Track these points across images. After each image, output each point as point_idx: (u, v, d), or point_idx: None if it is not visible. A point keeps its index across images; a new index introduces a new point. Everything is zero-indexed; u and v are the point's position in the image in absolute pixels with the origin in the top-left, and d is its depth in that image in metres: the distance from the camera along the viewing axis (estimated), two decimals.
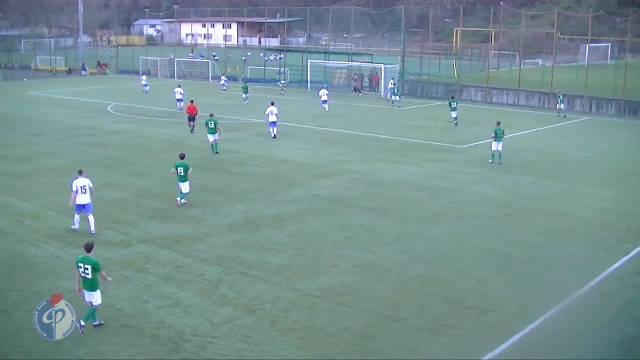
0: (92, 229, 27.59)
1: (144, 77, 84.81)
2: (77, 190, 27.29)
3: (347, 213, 30.62)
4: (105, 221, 29.17)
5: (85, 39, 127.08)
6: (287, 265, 24.13)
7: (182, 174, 31.38)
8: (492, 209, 31.50)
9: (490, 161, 40.70)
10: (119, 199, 32.96)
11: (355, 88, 79.27)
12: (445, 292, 21.87)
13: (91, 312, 19.17)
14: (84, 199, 27.38)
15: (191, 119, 52.45)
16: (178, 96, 64.74)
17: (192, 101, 53.87)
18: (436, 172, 38.85)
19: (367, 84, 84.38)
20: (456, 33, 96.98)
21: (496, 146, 40.62)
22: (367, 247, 26.05)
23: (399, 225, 28.90)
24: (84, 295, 19.29)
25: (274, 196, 33.26)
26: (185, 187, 31.61)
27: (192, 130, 52.33)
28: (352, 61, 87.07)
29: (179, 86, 67.60)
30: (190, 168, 31.81)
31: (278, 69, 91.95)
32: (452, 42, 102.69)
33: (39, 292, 21.69)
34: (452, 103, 57.74)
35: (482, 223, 29.39)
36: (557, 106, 64.08)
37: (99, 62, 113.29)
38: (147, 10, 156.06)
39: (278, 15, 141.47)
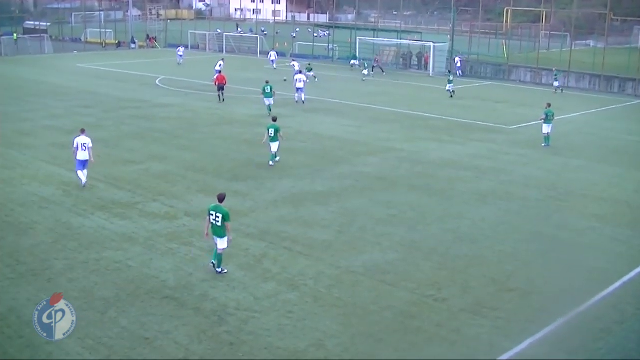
0: (84, 182, 30.08)
1: (181, 49, 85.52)
2: (77, 147, 29.63)
3: (392, 191, 30.54)
4: (152, 193, 29.43)
5: (134, 12, 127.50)
6: (331, 241, 24.16)
7: (272, 135, 33.70)
8: (538, 191, 31.22)
9: (543, 145, 40.15)
10: (165, 171, 33.16)
11: (379, 67, 78.40)
12: (489, 273, 21.75)
13: (219, 257, 21.13)
14: (84, 155, 29.74)
15: (220, 88, 54.72)
16: (218, 68, 64.95)
17: (220, 72, 57.09)
18: (483, 152, 38.56)
19: (416, 63, 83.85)
20: (507, 13, 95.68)
21: (547, 129, 40.14)
22: (412, 225, 25.97)
23: (444, 205, 28.78)
24: (214, 240, 21.11)
25: (319, 172, 33.26)
26: (274, 147, 33.93)
27: (221, 99, 54.31)
28: (401, 39, 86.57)
29: (222, 60, 68.27)
30: (281, 130, 34.09)
31: (327, 45, 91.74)
32: (503, 22, 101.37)
33: (85, 262, 22.00)
34: (450, 77, 61.57)
35: (528, 205, 29.16)
36: (553, 83, 66.03)
37: (148, 35, 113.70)
38: None
39: None
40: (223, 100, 54.36)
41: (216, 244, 21.20)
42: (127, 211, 27.09)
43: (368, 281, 20.98)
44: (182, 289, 20.11)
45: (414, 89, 65.00)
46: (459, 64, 76.48)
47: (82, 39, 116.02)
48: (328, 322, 18.31)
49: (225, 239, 21.02)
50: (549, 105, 40.78)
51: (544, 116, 40.20)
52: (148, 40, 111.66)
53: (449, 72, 67.32)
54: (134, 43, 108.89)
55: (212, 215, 20.89)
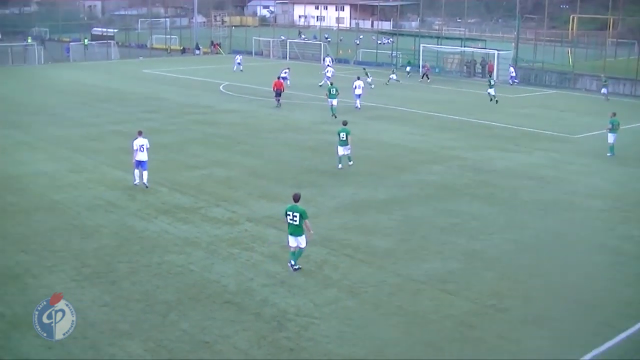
0: (145, 182, 31.31)
1: (238, 57, 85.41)
2: (137, 149, 30.84)
3: (455, 200, 30.36)
4: (214, 198, 29.70)
5: (199, 19, 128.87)
6: (393, 249, 24.11)
7: (344, 139, 34.50)
8: (603, 201, 30.76)
9: (608, 154, 39.53)
10: (228, 177, 33.44)
11: (426, 74, 77.87)
12: (552, 285, 21.50)
13: (300, 254, 22.03)
14: (142, 156, 30.93)
15: (278, 94, 55.73)
16: (283, 75, 65.29)
17: (278, 77, 58.12)
18: (547, 161, 38.12)
19: (480, 71, 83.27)
20: (572, 20, 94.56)
21: (612, 138, 39.56)
22: (474, 235, 25.80)
23: (507, 214, 28.52)
24: (288, 240, 22.05)
25: (382, 180, 33.21)
26: (341, 150, 34.82)
27: (278, 105, 55.37)
28: (464, 47, 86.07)
29: (288, 68, 68.72)
30: (350, 134, 34.88)
31: (390, 52, 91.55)
32: (568, 29, 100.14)
33: (148, 265, 22.30)
34: (491, 81, 62.48)
35: (592, 216, 28.76)
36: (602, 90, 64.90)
37: (212, 42, 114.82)
38: None
39: None
40: (278, 105, 55.27)
41: (292, 245, 21.98)
42: (189, 216, 27.38)
43: (429, 290, 20.88)
44: (243, 294, 20.25)
45: (477, 97, 64.46)
46: (513, 73, 75.63)
47: (148, 45, 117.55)
48: (388, 330, 18.29)
49: (304, 236, 21.81)
50: (614, 114, 40.18)
51: (609, 125, 39.61)
52: (212, 47, 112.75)
53: (490, 75, 67.21)
54: (199, 49, 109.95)
55: (289, 215, 21.73)
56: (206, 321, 18.52)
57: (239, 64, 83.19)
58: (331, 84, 52.48)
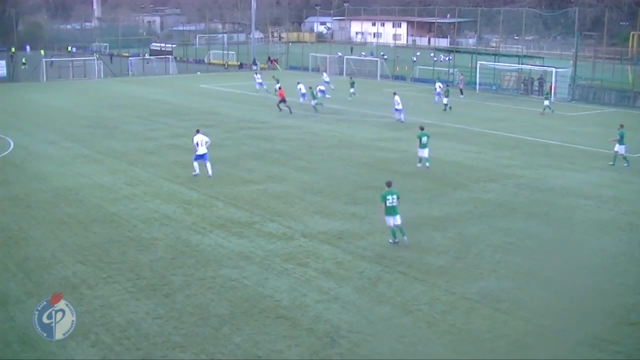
0: (210, 173, 35.71)
1: (258, 76, 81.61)
2: (197, 144, 35.26)
3: (510, 218, 30.06)
4: (269, 214, 29.80)
5: (257, 34, 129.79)
6: (447, 267, 23.94)
7: (425, 142, 37.70)
8: None
9: (625, 165, 39.34)
10: (283, 192, 33.53)
11: (459, 89, 77.13)
12: (608, 306, 21.15)
13: (402, 230, 25.51)
14: (203, 150, 35.38)
15: (282, 101, 60.20)
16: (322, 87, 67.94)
17: (280, 87, 62.26)
18: (605, 181, 37.57)
19: (537, 88, 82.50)
20: (632, 37, 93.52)
21: (623, 150, 39.40)
22: (529, 254, 25.51)
23: (563, 234, 28.17)
24: (387, 219, 25.32)
25: (437, 197, 33.00)
26: (425, 152, 38.10)
27: (287, 110, 59.80)
28: (522, 64, 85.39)
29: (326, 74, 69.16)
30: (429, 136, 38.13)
31: (448, 70, 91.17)
32: (628, 47, 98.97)
33: (202, 279, 22.46)
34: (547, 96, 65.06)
35: None
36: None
37: (269, 57, 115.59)
38: (318, 7, 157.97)
39: (448, 15, 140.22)
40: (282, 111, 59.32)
41: (392, 223, 25.37)
42: (244, 230, 27.51)
43: (483, 308, 20.70)
44: (296, 309, 20.27)
45: (534, 114, 63.85)
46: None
47: (205, 61, 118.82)
48: (441, 349, 18.17)
49: (399, 215, 25.39)
50: (622, 126, 39.90)
51: (618, 137, 39.39)
52: (270, 62, 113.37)
53: (547, 93, 67.58)
54: (256, 65, 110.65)
55: (389, 199, 25.14)
56: (259, 335, 18.57)
57: (260, 83, 79.06)
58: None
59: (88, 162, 40.54)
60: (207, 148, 35.69)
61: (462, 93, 75.19)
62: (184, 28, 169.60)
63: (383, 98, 66.40)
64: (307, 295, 21.27)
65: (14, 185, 35.15)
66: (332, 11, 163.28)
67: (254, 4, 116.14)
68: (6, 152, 43.86)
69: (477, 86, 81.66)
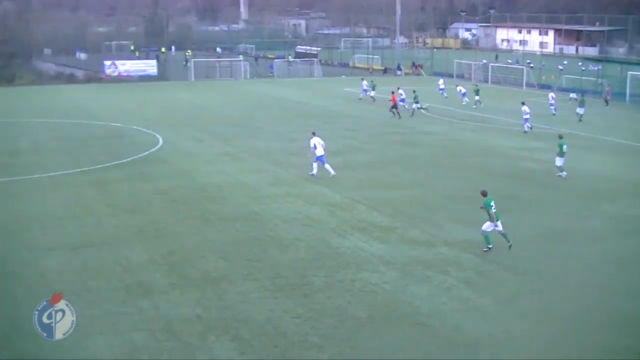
0: (332, 172, 36.21)
1: (365, 82, 78.01)
2: (314, 146, 36.05)
3: None
4: (412, 220, 29.56)
5: (401, 39, 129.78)
6: (590, 282, 23.10)
7: (565, 151, 37.16)
8: None
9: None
10: (426, 198, 33.25)
11: (604, 99, 74.17)
12: None
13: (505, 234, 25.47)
14: (321, 151, 36.08)
15: (393, 107, 60.10)
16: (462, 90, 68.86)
17: (392, 92, 62.28)
18: None
19: None
20: None
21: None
22: None
23: None
24: (489, 225, 25.25)
25: (583, 211, 31.86)
26: (559, 161, 37.46)
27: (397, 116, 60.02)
28: None
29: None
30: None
31: (596, 79, 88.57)
32: None
33: (341, 281, 22.56)
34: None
35: None
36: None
37: (413, 63, 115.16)
38: (463, 14, 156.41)
39: (597, 23, 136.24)
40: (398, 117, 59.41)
41: (494, 229, 25.34)
42: (385, 235, 27.37)
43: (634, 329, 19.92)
44: (435, 317, 20.01)
45: None
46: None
47: (350, 64, 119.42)
48: None
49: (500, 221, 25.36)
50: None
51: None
52: (414, 68, 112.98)
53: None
54: (400, 70, 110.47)
55: (493, 206, 25.22)
56: (397, 341, 18.44)
57: (365, 90, 76.00)
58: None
59: (232, 161, 41.33)
60: (323, 149, 36.41)
61: (607, 104, 73.00)
62: (329, 31, 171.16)
63: (531, 107, 64.89)
64: (447, 304, 20.95)
65: (161, 180, 36.22)
66: (477, 17, 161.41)
67: (398, 9, 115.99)
68: (155, 148, 45.24)
69: (628, 97, 78.99)
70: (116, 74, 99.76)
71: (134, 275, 23.18)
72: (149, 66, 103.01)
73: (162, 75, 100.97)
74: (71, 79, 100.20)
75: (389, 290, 21.87)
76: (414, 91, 62.60)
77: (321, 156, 36.14)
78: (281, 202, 32.02)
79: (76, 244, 26.37)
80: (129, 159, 41.77)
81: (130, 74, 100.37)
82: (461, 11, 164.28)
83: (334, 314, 20.02)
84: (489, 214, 25.22)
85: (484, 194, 25.67)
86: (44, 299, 15.44)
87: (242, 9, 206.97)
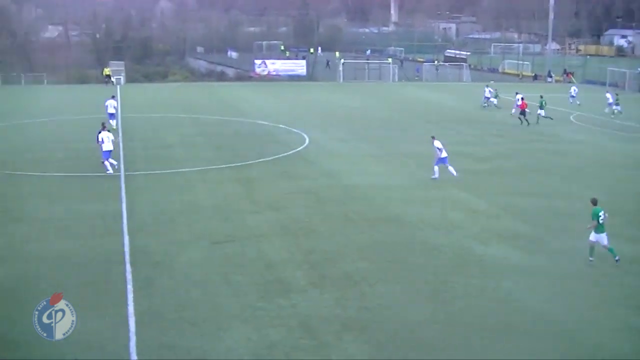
0: (454, 173, 36.52)
1: (488, 89, 73.19)
2: (439, 149, 36.36)
3: None
4: (554, 230, 28.80)
5: (553, 46, 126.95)
6: None
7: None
8: None
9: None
10: (570, 209, 31.78)
11: None
12: None
13: (612, 249, 24.28)
14: (443, 153, 36.32)
15: (522, 113, 58.40)
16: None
17: (523, 98, 60.04)
18: None
19: None
20: None
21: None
22: None
23: None
24: (595, 237, 24.23)
25: None
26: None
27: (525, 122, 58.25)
28: None
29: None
30: None
31: None
32: None
33: (483, 289, 22.21)
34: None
35: None
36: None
37: (565, 70, 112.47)
38: (619, 19, 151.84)
39: None
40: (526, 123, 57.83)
41: (597, 241, 24.31)
42: (529, 244, 26.78)
43: None
44: (577, 332, 19.46)
45: None
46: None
47: (499, 70, 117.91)
48: None
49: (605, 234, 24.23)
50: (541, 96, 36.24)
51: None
52: (565, 75, 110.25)
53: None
54: (551, 77, 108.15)
55: (601, 215, 24.04)
56: (536, 354, 18.09)
57: (487, 97, 72.35)
58: None
59: (377, 162, 41.42)
60: (443, 151, 36.61)
61: None
62: (479, 36, 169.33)
63: None
64: (593, 322, 20.26)
65: (306, 179, 36.68)
66: (633, 24, 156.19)
67: (551, 15, 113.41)
68: (301, 147, 45.78)
69: None
70: (266, 73, 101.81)
71: (274, 271, 23.53)
72: (299, 66, 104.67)
73: (310, 76, 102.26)
74: (222, 77, 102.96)
75: (529, 302, 21.43)
76: (541, 96, 60.87)
77: (444, 158, 36.51)
78: (424, 206, 31.89)
79: (219, 238, 26.99)
80: (274, 157, 42.43)
81: (280, 73, 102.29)
82: (617, 17, 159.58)
83: (474, 322, 19.77)
84: (592, 224, 24.28)
85: (594, 202, 24.64)
86: (182, 288, 15.87)
87: (392, 12, 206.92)
